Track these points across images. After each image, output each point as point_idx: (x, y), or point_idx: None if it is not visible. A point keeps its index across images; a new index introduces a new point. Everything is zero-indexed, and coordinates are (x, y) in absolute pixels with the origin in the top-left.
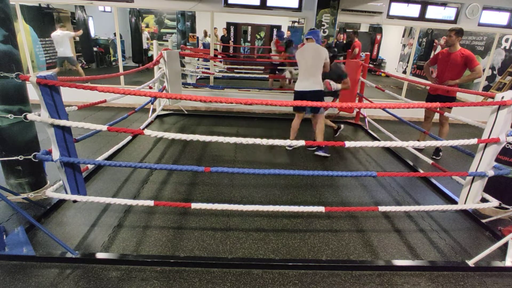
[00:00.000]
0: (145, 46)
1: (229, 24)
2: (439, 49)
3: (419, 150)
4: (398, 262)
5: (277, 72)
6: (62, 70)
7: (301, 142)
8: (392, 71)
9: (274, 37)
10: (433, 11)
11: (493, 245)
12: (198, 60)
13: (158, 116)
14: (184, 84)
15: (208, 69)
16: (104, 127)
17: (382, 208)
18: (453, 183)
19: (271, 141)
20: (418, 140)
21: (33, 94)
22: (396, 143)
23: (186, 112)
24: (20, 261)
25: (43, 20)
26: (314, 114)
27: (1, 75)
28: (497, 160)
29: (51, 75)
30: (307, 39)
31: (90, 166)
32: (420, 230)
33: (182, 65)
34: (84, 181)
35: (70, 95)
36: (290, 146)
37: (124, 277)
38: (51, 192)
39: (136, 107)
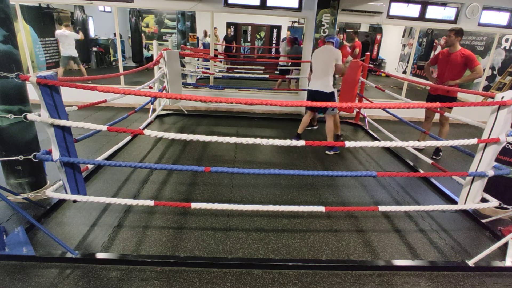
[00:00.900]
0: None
1: (229, 24)
2: (439, 49)
3: (419, 150)
4: (398, 262)
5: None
6: (66, 70)
7: (301, 142)
8: (392, 71)
9: (283, 38)
10: (433, 11)
11: (493, 245)
12: (198, 60)
13: (158, 116)
14: (184, 84)
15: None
16: (104, 127)
17: (382, 208)
18: (453, 183)
19: (271, 141)
20: (418, 140)
21: (33, 94)
22: (396, 143)
23: (186, 112)
24: (20, 261)
25: (43, 20)
26: (324, 114)
27: (1, 75)
28: (497, 160)
29: (51, 75)
30: (328, 41)
31: (90, 166)
32: (420, 230)
33: (182, 65)
34: (84, 181)
35: (70, 95)
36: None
37: (124, 277)
38: (51, 192)
39: (136, 107)
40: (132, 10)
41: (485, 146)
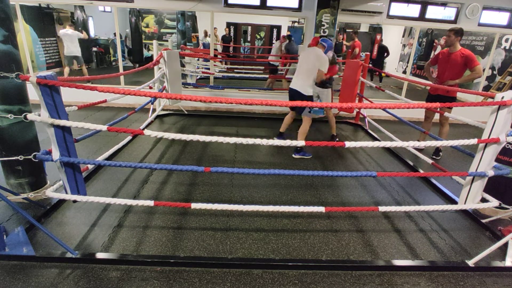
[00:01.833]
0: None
1: (229, 24)
2: (439, 49)
3: (419, 150)
4: (398, 262)
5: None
6: (72, 69)
7: (301, 142)
8: (392, 71)
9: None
10: (433, 11)
11: (493, 245)
12: (198, 60)
13: (158, 116)
14: (184, 84)
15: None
16: (104, 127)
17: (382, 208)
18: (453, 183)
19: (271, 141)
20: (418, 140)
21: (33, 94)
22: (396, 143)
23: (186, 112)
24: (20, 261)
25: (43, 20)
26: (300, 114)
27: (1, 75)
28: (497, 160)
29: (51, 75)
30: (320, 44)
31: (90, 166)
32: (420, 230)
33: (182, 65)
34: (84, 181)
35: (70, 95)
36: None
37: (124, 277)
38: (51, 192)
39: (136, 107)
40: (132, 10)
41: (485, 146)
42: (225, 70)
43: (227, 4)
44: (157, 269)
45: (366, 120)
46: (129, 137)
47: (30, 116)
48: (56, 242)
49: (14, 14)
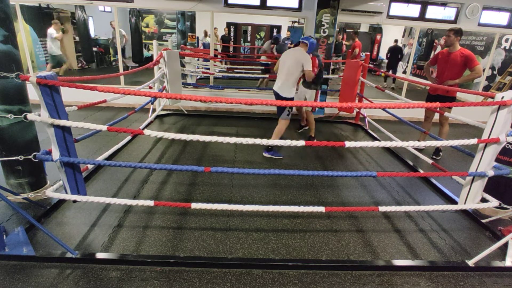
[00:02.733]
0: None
1: (229, 24)
2: (439, 49)
3: (419, 150)
4: (398, 262)
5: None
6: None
7: (301, 142)
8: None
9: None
10: (433, 11)
11: (493, 245)
12: (198, 60)
13: (158, 116)
14: (184, 84)
15: (208, 69)
16: (104, 127)
17: (382, 208)
18: (453, 183)
19: (271, 141)
20: (418, 140)
21: (33, 94)
22: (396, 143)
23: (186, 112)
24: (20, 261)
25: (43, 20)
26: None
27: (1, 75)
28: (497, 160)
29: (51, 75)
30: (301, 42)
31: (90, 166)
32: (420, 230)
33: (182, 65)
34: (84, 181)
35: (70, 95)
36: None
37: (124, 277)
38: (51, 192)
39: (136, 107)
40: (132, 10)
41: (485, 146)
42: (225, 70)
43: (227, 4)
44: (157, 269)
45: (366, 120)
46: (129, 137)
47: (30, 116)
48: (56, 242)
49: (14, 14)
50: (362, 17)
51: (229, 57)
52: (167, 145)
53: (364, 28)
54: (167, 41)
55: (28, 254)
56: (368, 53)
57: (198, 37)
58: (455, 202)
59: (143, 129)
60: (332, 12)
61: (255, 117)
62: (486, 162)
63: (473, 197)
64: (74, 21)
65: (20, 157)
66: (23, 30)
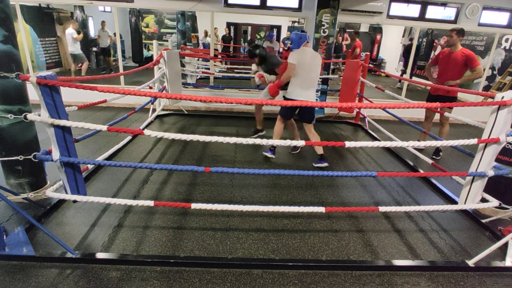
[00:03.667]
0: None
1: (229, 24)
2: (439, 49)
3: (419, 150)
4: (398, 262)
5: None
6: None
7: (302, 142)
8: (392, 71)
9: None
10: (433, 11)
11: (493, 245)
12: (198, 60)
13: (158, 116)
14: (184, 84)
15: (208, 69)
16: (104, 127)
17: (382, 208)
18: (453, 183)
19: (271, 141)
20: (418, 140)
21: (33, 94)
22: (396, 143)
23: (186, 112)
24: (20, 261)
25: (43, 20)
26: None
27: (1, 75)
28: (497, 160)
29: (51, 75)
30: (307, 42)
31: (90, 166)
32: (420, 230)
33: (182, 65)
34: (84, 181)
35: (70, 95)
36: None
37: (124, 277)
38: (51, 192)
39: (136, 107)
40: (132, 10)
41: (485, 146)
42: (225, 70)
43: (227, 4)
44: (157, 269)
45: (366, 120)
46: (129, 137)
47: (30, 116)
48: (56, 242)
49: (14, 14)
50: (362, 17)
51: (229, 57)
52: (167, 145)
53: (364, 28)
54: (167, 41)
55: (28, 254)
56: (368, 53)
57: (198, 37)
58: (455, 202)
59: (143, 129)
60: (332, 12)
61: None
62: (486, 162)
63: (473, 197)
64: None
65: (20, 157)
66: (23, 30)
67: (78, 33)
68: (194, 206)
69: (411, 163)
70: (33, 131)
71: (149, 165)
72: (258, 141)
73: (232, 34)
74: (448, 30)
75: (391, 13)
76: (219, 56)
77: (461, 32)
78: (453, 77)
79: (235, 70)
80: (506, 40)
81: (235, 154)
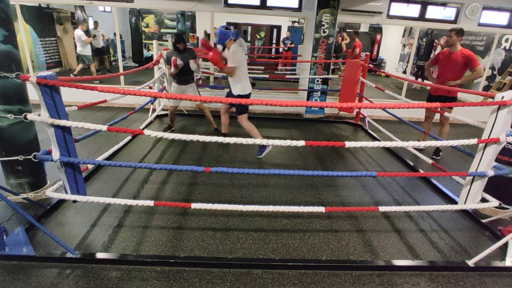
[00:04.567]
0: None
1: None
2: (439, 49)
3: (419, 150)
4: (398, 262)
5: None
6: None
7: (301, 142)
8: (392, 71)
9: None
10: (433, 11)
11: (493, 245)
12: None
13: (158, 116)
14: None
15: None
16: (104, 127)
17: (382, 208)
18: (453, 183)
19: (271, 141)
20: (418, 140)
21: (33, 94)
22: (396, 143)
23: (186, 112)
24: (20, 261)
25: (43, 20)
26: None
27: (1, 75)
28: (497, 160)
29: (51, 75)
30: (234, 40)
31: (90, 166)
32: (420, 230)
33: None
34: (84, 181)
35: (70, 95)
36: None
37: (124, 277)
38: (51, 192)
39: (136, 107)
40: (132, 10)
41: (485, 146)
42: None
43: (227, 4)
44: (157, 269)
45: (366, 120)
46: (129, 137)
47: (30, 116)
48: (56, 242)
49: (14, 14)
50: (362, 17)
51: None
52: (167, 145)
53: (364, 28)
54: (167, 41)
55: (28, 254)
56: (368, 53)
57: (198, 37)
58: (455, 202)
59: (143, 129)
60: (332, 12)
61: (255, 117)
62: (486, 162)
63: (473, 197)
64: (74, 21)
65: (20, 157)
66: (23, 30)
67: (86, 33)
68: (194, 206)
69: (411, 163)
70: (33, 131)
71: (149, 165)
72: (258, 141)
73: None
74: (448, 30)
75: (391, 13)
76: None
77: (460, 32)
78: (453, 77)
79: None
80: (506, 40)
81: (235, 154)
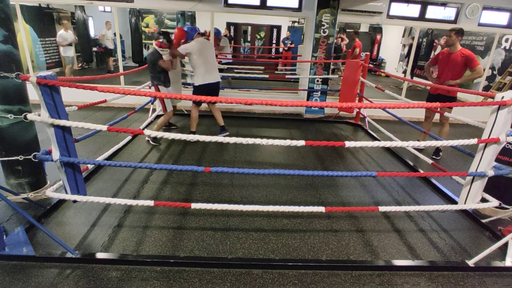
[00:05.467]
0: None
1: (229, 24)
2: (439, 49)
3: (419, 150)
4: (398, 262)
5: None
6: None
7: (301, 142)
8: (392, 71)
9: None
10: (433, 11)
11: (493, 245)
12: None
13: (158, 116)
14: (184, 84)
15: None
16: (104, 127)
17: (382, 208)
18: (453, 183)
19: (271, 141)
20: (418, 140)
21: (33, 94)
22: (396, 143)
23: (186, 112)
24: (20, 261)
25: (43, 20)
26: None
27: (1, 75)
28: (497, 160)
29: (51, 75)
30: (201, 34)
31: (90, 166)
32: (420, 230)
33: (182, 65)
34: (84, 181)
35: (70, 95)
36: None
37: (124, 277)
38: (51, 192)
39: (136, 107)
40: (132, 10)
41: (485, 146)
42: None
43: (227, 4)
44: (157, 269)
45: (366, 120)
46: (129, 137)
47: (30, 116)
48: (56, 242)
49: (14, 14)
50: (362, 17)
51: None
52: (167, 145)
53: (364, 28)
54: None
55: (28, 254)
56: (368, 53)
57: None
58: (455, 202)
59: (143, 129)
60: (332, 12)
61: (255, 117)
62: (486, 162)
63: (473, 197)
64: (74, 21)
65: (20, 157)
66: (23, 30)
67: (67, 32)
68: (194, 206)
69: (411, 163)
70: (33, 131)
71: (149, 165)
72: (258, 141)
73: (232, 34)
74: (448, 30)
75: (391, 13)
76: (219, 56)
77: (460, 32)
78: (453, 77)
79: (235, 70)
80: (506, 40)
81: (235, 154)
